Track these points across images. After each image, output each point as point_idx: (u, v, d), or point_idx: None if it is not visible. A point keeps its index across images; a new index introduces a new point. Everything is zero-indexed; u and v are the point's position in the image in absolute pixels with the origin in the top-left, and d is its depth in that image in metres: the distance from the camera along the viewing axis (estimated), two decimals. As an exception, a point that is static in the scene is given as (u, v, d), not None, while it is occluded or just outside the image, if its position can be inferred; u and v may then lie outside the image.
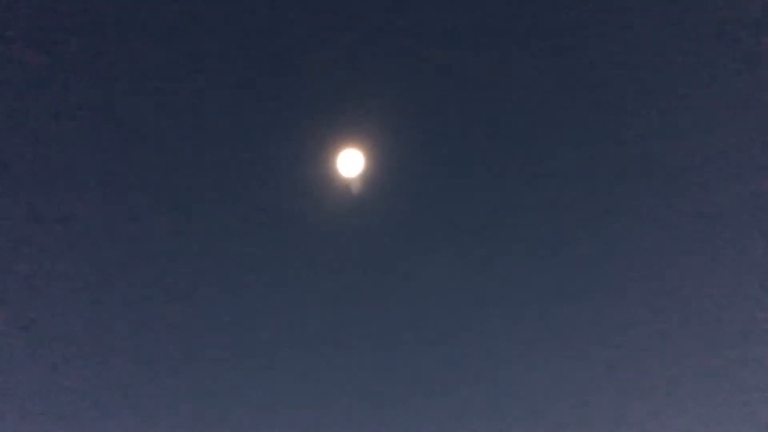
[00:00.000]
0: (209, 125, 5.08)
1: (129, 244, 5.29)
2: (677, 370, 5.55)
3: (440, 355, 5.33)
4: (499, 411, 5.66)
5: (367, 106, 5.05)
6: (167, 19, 4.95)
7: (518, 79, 5.16)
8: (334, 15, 4.93)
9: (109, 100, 4.97)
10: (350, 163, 5.07)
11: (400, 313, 5.31)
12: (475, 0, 5.00)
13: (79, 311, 5.30)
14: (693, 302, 5.43)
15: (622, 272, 5.42)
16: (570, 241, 5.38)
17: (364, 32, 5.02)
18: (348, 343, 5.34)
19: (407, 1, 4.98)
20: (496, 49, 5.11)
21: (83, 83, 4.88)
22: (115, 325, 5.38)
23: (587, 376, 5.60)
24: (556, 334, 5.56)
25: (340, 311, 5.25)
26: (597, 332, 5.52)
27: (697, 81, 5.05)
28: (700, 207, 5.24)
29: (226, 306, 5.40)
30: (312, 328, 5.27)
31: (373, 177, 5.13)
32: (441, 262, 5.24)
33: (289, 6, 4.99)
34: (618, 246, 5.35)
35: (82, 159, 5.02)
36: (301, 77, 5.03)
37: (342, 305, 5.24)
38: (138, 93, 5.03)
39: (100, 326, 5.36)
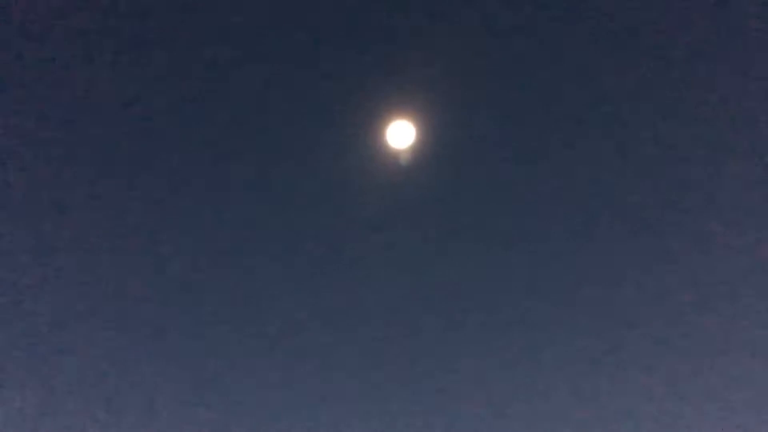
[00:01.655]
0: (258, 99, 5.12)
1: (185, 225, 5.38)
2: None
3: (488, 339, 5.28)
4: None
5: (418, 77, 5.00)
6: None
7: (576, 53, 5.03)
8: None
9: (153, 81, 5.05)
10: (400, 134, 5.04)
11: (450, 290, 5.27)
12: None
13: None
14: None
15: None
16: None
17: (415, 2, 4.96)
18: (398, 315, 5.33)
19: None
20: (552, 18, 5.00)
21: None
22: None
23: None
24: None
25: (389, 285, 5.24)
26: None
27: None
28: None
29: (278, 279, 5.44)
30: (362, 302, 5.28)
31: (423, 149, 5.09)
32: (491, 237, 5.17)
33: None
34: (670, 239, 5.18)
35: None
36: (350, 48, 5.02)
37: (392, 280, 5.23)
38: (182, 70, 5.10)
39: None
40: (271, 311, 5.44)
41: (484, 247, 5.21)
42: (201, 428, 5.64)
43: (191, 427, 5.62)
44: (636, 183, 5.21)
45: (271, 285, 5.26)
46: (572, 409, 5.51)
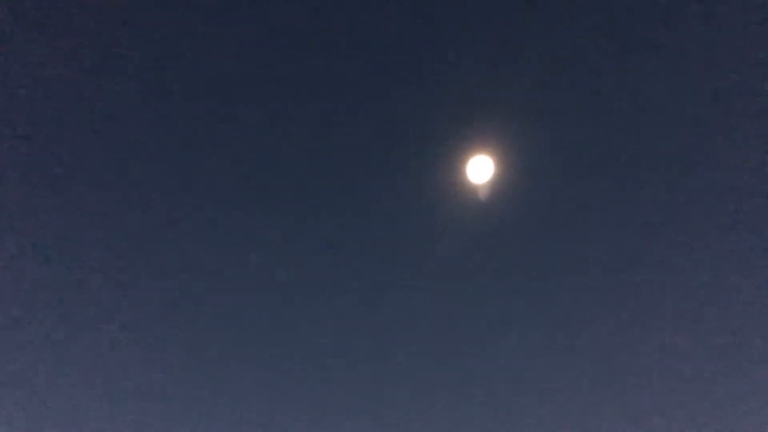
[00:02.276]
0: (338, 129, 5.12)
1: (243, 243, 5.41)
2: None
3: (571, 364, 5.25)
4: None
5: (498, 111, 4.96)
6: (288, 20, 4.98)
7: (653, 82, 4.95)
8: (467, 17, 4.84)
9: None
10: (480, 169, 5.02)
11: (528, 323, 5.25)
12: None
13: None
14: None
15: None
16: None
17: (496, 33, 4.91)
18: (470, 350, 5.33)
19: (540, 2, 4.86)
20: (629, 50, 4.92)
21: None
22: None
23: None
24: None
25: (467, 319, 5.24)
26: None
27: None
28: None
29: (345, 314, 5.47)
30: (439, 337, 5.29)
31: (503, 183, 5.06)
32: (571, 270, 5.13)
33: (417, 8, 4.95)
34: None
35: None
36: (431, 81, 4.99)
37: (469, 314, 5.23)
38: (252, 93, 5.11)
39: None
40: (348, 347, 5.48)
41: (562, 283, 5.18)
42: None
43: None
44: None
45: (348, 320, 5.30)
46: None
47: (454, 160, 5.01)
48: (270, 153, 5.12)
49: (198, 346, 5.58)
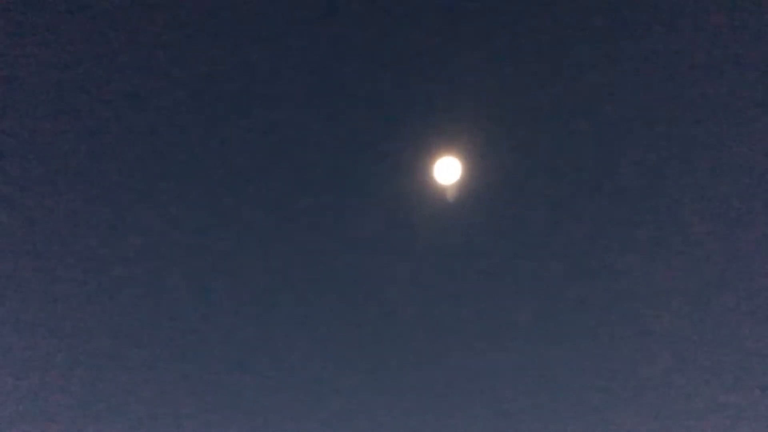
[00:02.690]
0: (303, 133, 5.15)
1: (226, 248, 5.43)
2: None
3: (536, 366, 5.24)
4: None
5: (466, 112, 4.99)
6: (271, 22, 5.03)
7: (623, 85, 4.98)
8: (435, 20, 4.89)
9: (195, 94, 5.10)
10: (447, 170, 5.03)
11: (498, 325, 5.24)
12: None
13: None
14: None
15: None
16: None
17: (462, 38, 4.96)
18: (442, 353, 5.32)
19: (505, 5, 4.90)
20: (598, 54, 4.96)
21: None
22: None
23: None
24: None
25: (437, 321, 5.23)
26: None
27: None
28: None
29: (318, 318, 5.47)
30: (406, 340, 5.28)
31: (471, 185, 5.07)
32: (539, 272, 5.13)
33: (385, 11, 5.00)
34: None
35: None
36: (397, 83, 5.03)
37: (438, 315, 5.22)
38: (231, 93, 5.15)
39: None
40: (313, 345, 5.47)
41: (531, 284, 5.17)
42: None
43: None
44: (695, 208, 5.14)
45: (310, 321, 5.30)
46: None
47: (421, 161, 5.03)
48: (237, 157, 5.15)
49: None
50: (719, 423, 5.58)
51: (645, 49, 4.89)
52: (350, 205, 5.11)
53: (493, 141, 5.00)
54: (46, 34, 4.82)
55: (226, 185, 5.29)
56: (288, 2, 4.87)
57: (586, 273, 5.23)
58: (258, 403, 5.70)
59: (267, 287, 5.49)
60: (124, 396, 5.69)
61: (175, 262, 5.38)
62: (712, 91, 4.92)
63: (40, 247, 5.39)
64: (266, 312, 5.55)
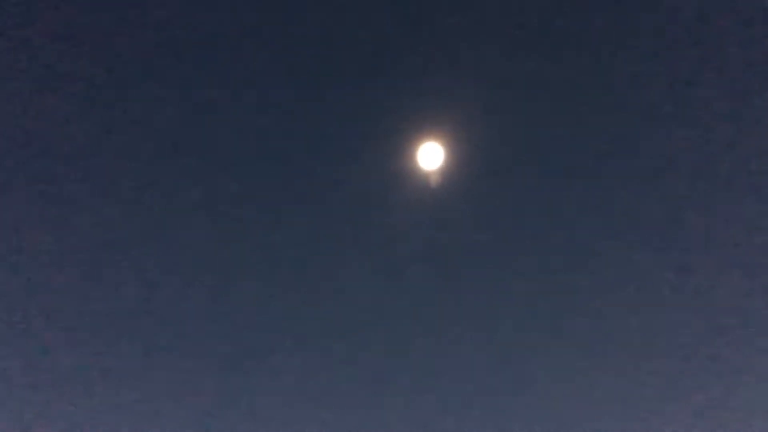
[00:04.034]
0: (289, 120, 5.29)
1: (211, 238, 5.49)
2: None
3: (520, 349, 5.31)
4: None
5: (448, 99, 5.17)
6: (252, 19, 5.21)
7: (606, 74, 5.17)
8: (415, 10, 5.10)
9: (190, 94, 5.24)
10: (430, 156, 5.18)
11: (478, 308, 5.32)
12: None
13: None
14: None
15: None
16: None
17: (445, 27, 5.16)
18: (426, 335, 5.38)
19: None
20: (580, 46, 5.17)
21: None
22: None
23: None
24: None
25: (419, 303, 5.31)
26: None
27: None
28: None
29: (303, 301, 5.52)
30: (389, 321, 5.34)
31: (453, 170, 5.22)
32: (520, 256, 5.25)
33: (369, 3, 5.20)
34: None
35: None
36: (382, 72, 5.20)
37: (420, 298, 5.30)
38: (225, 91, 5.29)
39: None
40: (299, 324, 5.51)
41: (513, 267, 5.28)
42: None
43: None
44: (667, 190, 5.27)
45: (297, 300, 5.36)
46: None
47: (405, 147, 5.18)
48: (221, 146, 5.27)
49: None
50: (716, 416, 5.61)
51: (626, 29, 5.07)
52: (334, 189, 5.24)
53: (475, 127, 5.18)
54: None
55: (217, 180, 5.39)
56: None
57: (570, 258, 5.34)
58: (256, 403, 5.68)
59: (247, 280, 5.53)
60: (123, 396, 5.66)
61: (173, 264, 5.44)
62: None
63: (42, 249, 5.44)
64: (254, 313, 5.60)
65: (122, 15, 5.00)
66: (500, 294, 5.31)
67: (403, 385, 5.52)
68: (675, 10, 4.97)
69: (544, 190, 5.23)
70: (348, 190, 5.27)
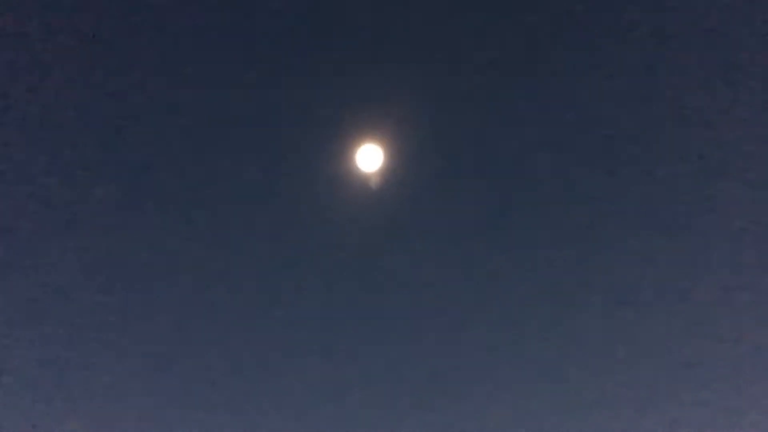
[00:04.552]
0: (227, 121, 5.16)
1: (148, 246, 5.36)
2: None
3: (456, 355, 5.26)
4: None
5: (386, 101, 5.08)
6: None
7: (542, 77, 5.12)
8: (354, 11, 5.01)
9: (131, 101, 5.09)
10: (370, 158, 5.10)
11: (418, 312, 5.26)
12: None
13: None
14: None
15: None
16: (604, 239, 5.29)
17: (383, 27, 5.07)
18: (365, 340, 5.30)
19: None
20: (516, 44, 5.12)
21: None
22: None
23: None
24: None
25: (358, 308, 5.23)
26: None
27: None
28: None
29: (242, 304, 5.42)
30: (327, 326, 5.26)
31: (392, 172, 5.14)
32: (459, 259, 5.19)
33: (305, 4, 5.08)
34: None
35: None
36: (319, 73, 5.10)
37: (360, 302, 5.22)
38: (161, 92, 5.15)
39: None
40: (248, 329, 5.41)
41: (449, 273, 5.23)
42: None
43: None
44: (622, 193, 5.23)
45: (246, 304, 5.26)
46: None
47: (343, 149, 5.09)
48: (166, 153, 5.13)
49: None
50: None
51: (580, 19, 5.00)
52: (272, 193, 5.14)
53: (414, 128, 5.10)
54: None
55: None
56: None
57: (516, 261, 5.31)
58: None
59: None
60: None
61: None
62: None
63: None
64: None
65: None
66: (441, 299, 5.26)
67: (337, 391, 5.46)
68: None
69: (487, 189, 5.18)
70: (285, 193, 5.18)
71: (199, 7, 4.89)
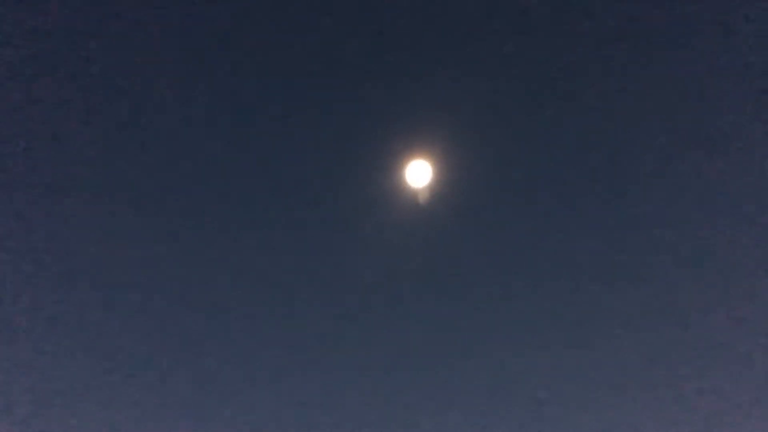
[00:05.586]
0: (277, 136, 5.17)
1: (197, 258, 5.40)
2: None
3: (509, 372, 5.24)
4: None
5: (437, 116, 5.04)
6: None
7: (603, 92, 5.01)
8: (406, 24, 4.94)
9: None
10: (418, 174, 5.07)
11: (465, 327, 5.24)
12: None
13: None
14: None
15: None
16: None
17: (433, 41, 5.01)
18: (412, 355, 5.31)
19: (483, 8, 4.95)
20: (572, 54, 5.01)
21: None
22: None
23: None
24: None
25: (406, 323, 5.23)
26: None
27: None
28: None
29: (291, 318, 5.44)
30: (377, 341, 5.27)
31: (441, 188, 5.11)
32: (507, 277, 5.15)
33: (358, 14, 5.03)
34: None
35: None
36: (367, 88, 5.07)
37: (408, 317, 5.22)
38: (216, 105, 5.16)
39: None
40: (289, 347, 5.45)
41: (500, 288, 5.19)
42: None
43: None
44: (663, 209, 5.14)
45: (289, 323, 5.29)
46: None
47: (392, 164, 5.06)
48: (209, 160, 5.16)
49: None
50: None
51: (623, 49, 4.91)
52: (321, 207, 5.14)
53: (464, 144, 5.05)
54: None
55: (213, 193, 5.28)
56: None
57: (565, 276, 5.25)
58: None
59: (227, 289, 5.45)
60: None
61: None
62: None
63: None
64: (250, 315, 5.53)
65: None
66: (493, 314, 5.23)
67: (403, 403, 5.47)
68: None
69: (535, 208, 5.12)
70: (334, 207, 5.17)
71: (257, 28, 4.89)
